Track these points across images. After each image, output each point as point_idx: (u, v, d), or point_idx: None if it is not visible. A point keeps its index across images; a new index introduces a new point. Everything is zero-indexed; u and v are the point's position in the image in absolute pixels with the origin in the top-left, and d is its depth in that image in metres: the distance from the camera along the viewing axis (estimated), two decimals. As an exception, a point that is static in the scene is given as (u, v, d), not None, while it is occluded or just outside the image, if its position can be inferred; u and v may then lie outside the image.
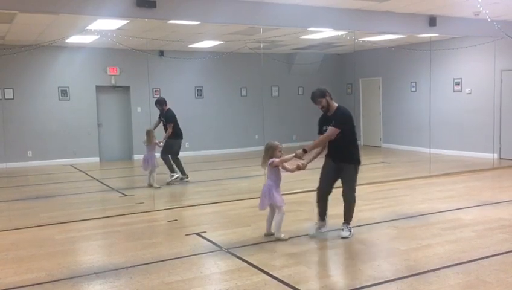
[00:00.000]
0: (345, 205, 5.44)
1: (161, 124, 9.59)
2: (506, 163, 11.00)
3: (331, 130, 5.25)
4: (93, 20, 8.29)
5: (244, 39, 11.24)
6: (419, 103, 12.97)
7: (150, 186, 8.88)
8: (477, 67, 12.06)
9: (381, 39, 11.90)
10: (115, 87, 13.19)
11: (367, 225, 5.91)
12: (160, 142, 9.12)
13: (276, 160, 5.27)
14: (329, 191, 5.50)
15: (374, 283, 4.07)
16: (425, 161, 10.41)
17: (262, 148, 5.66)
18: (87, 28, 9.17)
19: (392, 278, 4.17)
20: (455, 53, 12.24)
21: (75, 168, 11.69)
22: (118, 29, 9.40)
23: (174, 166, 9.37)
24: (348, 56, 15.54)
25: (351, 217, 5.47)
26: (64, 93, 12.66)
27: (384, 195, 7.79)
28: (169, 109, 9.51)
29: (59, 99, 12.61)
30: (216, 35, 11.07)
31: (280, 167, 5.34)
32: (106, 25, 9.10)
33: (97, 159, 12.79)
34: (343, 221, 5.48)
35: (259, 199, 5.45)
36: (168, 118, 9.35)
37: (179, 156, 9.62)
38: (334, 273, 4.35)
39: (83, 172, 11.04)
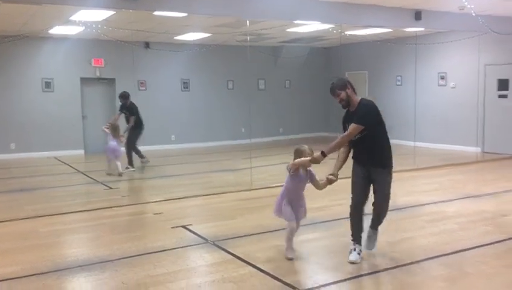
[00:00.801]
0: (376, 219, 4.53)
1: (122, 116, 10.22)
2: (489, 156, 11.16)
3: (351, 128, 4.29)
4: (77, 10, 8.18)
5: (231, 32, 11.21)
6: (405, 96, 13.06)
7: (118, 173, 9.32)
8: (461, 61, 12.18)
9: (368, 33, 11.96)
10: (99, 79, 13.06)
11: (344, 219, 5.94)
12: (122, 136, 9.75)
13: (291, 163, 4.47)
14: (365, 202, 4.53)
15: (358, 274, 4.11)
16: (410, 154, 10.52)
17: (248, 141, 5.59)
18: (71, 18, 9.05)
19: (377, 269, 4.22)
20: (440, 47, 12.35)
21: (59, 160, 11.58)
22: (103, 20, 9.29)
23: (133, 161, 10.07)
24: (334, 50, 15.58)
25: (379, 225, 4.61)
26: (48, 84, 12.50)
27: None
28: (131, 102, 10.16)
29: (43, 91, 12.46)
30: (202, 28, 11.01)
31: (299, 177, 4.51)
32: (91, 16, 8.99)
33: (82, 151, 12.68)
34: (373, 228, 4.59)
35: (243, 192, 5.45)
36: (131, 110, 10.01)
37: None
38: (319, 265, 4.38)
39: (68, 165, 10.94)
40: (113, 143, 9.46)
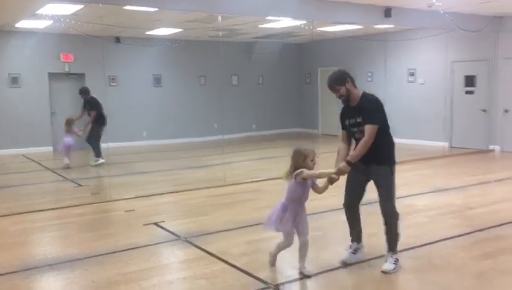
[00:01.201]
0: (384, 224, 4.16)
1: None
2: (456, 151, 11.43)
3: (370, 131, 3.93)
4: (44, 4, 7.97)
5: (203, 27, 11.13)
6: (375, 92, 12.81)
7: (67, 167, 9.67)
8: (430, 58, 12.43)
9: (339, 29, 12.07)
10: (68, 74, 12.78)
11: (325, 211, 5.99)
12: (80, 130, 10.00)
13: (306, 171, 3.88)
14: (359, 199, 4.29)
15: (330, 268, 4.15)
16: (380, 149, 10.66)
17: (221, 137, 5.54)
18: (38, 12, 8.82)
19: (348, 264, 4.26)
20: (409, 44, 12.57)
21: (27, 158, 11.30)
22: (72, 14, 9.09)
23: (101, 151, 10.15)
24: (306, 46, 15.68)
25: (396, 241, 4.15)
26: (14, 80, 12.17)
27: (341, 183, 7.92)
28: (92, 96, 10.29)
29: (9, 87, 12.12)
30: (174, 23, 10.91)
31: (306, 184, 3.99)
32: (59, 10, 8.78)
33: (50, 148, 12.40)
34: (386, 249, 4.18)
35: (215, 188, 5.42)
36: (92, 105, 10.12)
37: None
38: (292, 260, 4.40)
39: (36, 162, 10.69)
40: (66, 139, 9.79)
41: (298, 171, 3.89)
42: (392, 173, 4.11)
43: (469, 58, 11.64)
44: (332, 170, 3.97)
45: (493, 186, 7.54)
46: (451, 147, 11.94)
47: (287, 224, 3.95)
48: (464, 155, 10.93)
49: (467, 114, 11.80)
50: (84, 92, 10.30)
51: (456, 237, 5.01)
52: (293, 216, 3.96)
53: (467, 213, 5.94)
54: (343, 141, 4.24)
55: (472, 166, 9.51)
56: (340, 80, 4.08)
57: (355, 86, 4.13)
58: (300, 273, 4.00)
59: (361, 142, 3.96)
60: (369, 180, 4.19)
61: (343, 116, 4.23)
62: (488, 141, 11.45)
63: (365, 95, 4.14)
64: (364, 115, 4.01)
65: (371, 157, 4.01)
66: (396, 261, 4.10)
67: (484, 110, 11.46)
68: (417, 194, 6.99)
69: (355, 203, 4.29)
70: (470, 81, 11.69)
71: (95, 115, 10.03)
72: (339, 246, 4.69)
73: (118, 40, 12.93)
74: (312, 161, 3.93)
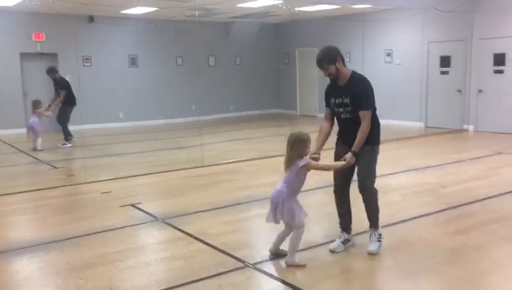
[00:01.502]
0: (363, 201, 4.10)
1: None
2: (431, 131, 11.62)
3: (366, 116, 3.86)
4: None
5: (179, 6, 10.94)
6: None
7: (35, 149, 9.51)
8: (406, 39, 12.50)
9: (317, 9, 12.01)
10: (41, 54, 12.46)
11: (302, 191, 6.03)
12: (47, 111, 9.88)
13: (313, 163, 3.76)
14: (348, 183, 4.16)
15: (307, 247, 4.19)
16: (357, 129, 10.75)
17: (199, 118, 5.47)
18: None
19: (324, 241, 4.31)
20: (386, 25, 12.61)
21: (0, 140, 11.05)
22: (43, -8, 8.83)
23: (69, 134, 10.10)
24: (284, 26, 15.59)
25: (377, 217, 4.11)
26: (-16, 60, 11.82)
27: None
28: (61, 76, 10.17)
29: (-21, 67, 11.78)
30: (149, 2, 10.70)
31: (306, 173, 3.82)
32: (29, -13, 8.52)
33: (23, 130, 12.10)
34: (369, 226, 4.16)
35: (193, 169, 5.39)
36: (61, 85, 10.00)
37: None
38: (268, 239, 4.42)
39: (9, 144, 10.46)
40: (32, 119, 9.67)
41: (304, 162, 3.70)
42: (373, 152, 4.01)
43: (445, 39, 11.75)
44: (339, 163, 3.87)
45: (467, 165, 7.69)
46: (426, 126, 12.11)
47: (301, 213, 3.80)
48: (439, 135, 11.11)
49: (442, 94, 11.96)
50: (51, 71, 10.12)
51: (429, 214, 5.11)
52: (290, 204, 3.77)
53: (440, 191, 6.05)
54: (326, 120, 4.15)
55: (447, 145, 9.68)
56: (330, 59, 3.90)
57: (344, 65, 3.97)
58: (288, 263, 3.81)
59: (361, 129, 3.86)
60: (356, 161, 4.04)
61: (329, 94, 4.09)
62: (462, 121, 11.65)
63: (355, 75, 4.00)
64: (356, 97, 3.89)
65: (354, 138, 3.89)
66: (379, 238, 4.10)
67: (459, 91, 11.63)
68: (392, 173, 7.09)
69: (345, 188, 4.17)
70: (445, 61, 11.82)
71: (64, 95, 9.89)
72: (314, 224, 4.74)
73: (91, 19, 12.64)
74: (309, 146, 3.78)
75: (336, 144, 4.16)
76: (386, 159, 8.29)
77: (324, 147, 4.08)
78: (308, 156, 3.79)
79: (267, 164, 7.81)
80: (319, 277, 3.64)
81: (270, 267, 3.84)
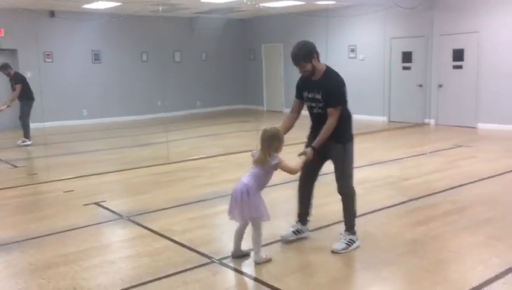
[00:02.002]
0: (342, 201, 4.10)
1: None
2: (394, 125, 11.88)
3: (334, 114, 3.82)
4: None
5: (142, 1, 10.79)
6: None
7: None
8: (369, 35, 12.73)
9: (281, 5, 12.07)
10: (0, 50, 12.07)
11: (268, 187, 6.08)
12: (3, 106, 9.57)
13: (284, 163, 3.74)
14: (314, 177, 4.18)
15: (272, 241, 4.23)
16: (323, 124, 10.89)
17: (165, 115, 5.42)
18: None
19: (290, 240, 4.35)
20: (350, 21, 12.80)
21: (-43, 139, 10.66)
22: (0, -15, 8.54)
23: (29, 131, 9.81)
24: (250, 21, 15.60)
25: (352, 221, 4.10)
26: None
27: (284, 158, 8.05)
28: (16, 72, 9.97)
29: None
30: (112, -4, 10.51)
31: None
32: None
33: (-18, 129, 11.76)
34: (344, 228, 4.13)
35: (159, 166, 5.35)
36: (16, 80, 9.76)
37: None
38: (233, 234, 4.44)
39: (-34, 143, 10.11)
40: None
41: (276, 161, 3.68)
42: (346, 151, 3.95)
43: (406, 35, 12.02)
44: (300, 163, 3.83)
45: (427, 158, 7.91)
46: (390, 121, 12.37)
47: (265, 208, 3.75)
48: (401, 129, 11.37)
49: (404, 89, 12.24)
50: (3, 67, 9.83)
51: (391, 206, 5.24)
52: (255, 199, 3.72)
53: (402, 184, 6.21)
54: (292, 112, 4.11)
55: (409, 139, 9.93)
56: (308, 56, 3.85)
57: (319, 61, 3.93)
58: (257, 261, 3.79)
59: (326, 125, 3.83)
60: (327, 159, 4.06)
61: (302, 87, 4.04)
62: (423, 115, 11.96)
63: (328, 71, 3.95)
64: (327, 94, 3.85)
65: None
66: (350, 242, 4.02)
67: (420, 85, 11.94)
68: (356, 167, 7.17)
69: (310, 181, 4.17)
70: (407, 57, 12.10)
71: (20, 89, 9.64)
72: (280, 219, 4.78)
73: (52, 14, 12.32)
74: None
75: (308, 138, 4.12)
76: (351, 153, 8.47)
77: (291, 142, 4.12)
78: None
79: (233, 160, 7.82)
80: (284, 271, 3.69)
81: (236, 262, 3.86)
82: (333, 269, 3.72)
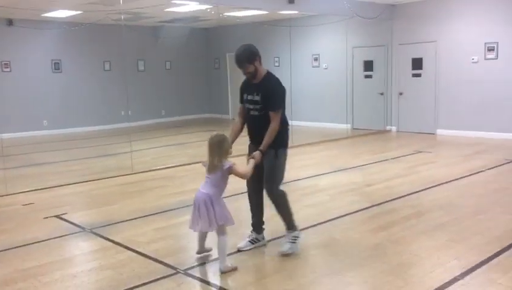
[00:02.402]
0: (273, 204, 4.12)
1: None
2: (357, 132, 12.11)
3: (276, 118, 3.93)
4: None
5: (104, 10, 10.64)
6: (282, 77, 13.27)
7: None
8: (332, 44, 12.96)
9: (245, 15, 12.16)
10: (-46, 59, 11.68)
11: (232, 195, 6.08)
12: None
13: (235, 167, 3.76)
14: (261, 185, 4.14)
15: (234, 251, 4.22)
16: (288, 132, 10.99)
17: (128, 125, 5.36)
18: None
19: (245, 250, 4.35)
20: (313, 30, 13.01)
21: None
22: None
23: None
24: (214, 31, 15.63)
25: (290, 219, 4.15)
26: None
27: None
28: None
29: None
30: (72, 5, 10.32)
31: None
32: None
33: None
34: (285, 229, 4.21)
35: (123, 176, 5.28)
36: None
37: None
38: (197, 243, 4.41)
39: None
40: None
41: (229, 165, 3.72)
42: (277, 156, 3.99)
43: (367, 44, 12.31)
44: (251, 167, 3.84)
45: (389, 164, 8.10)
46: (353, 128, 12.60)
47: (227, 215, 3.79)
48: (364, 136, 11.60)
49: (366, 97, 12.51)
50: None
51: (354, 212, 5.33)
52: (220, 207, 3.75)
53: (365, 190, 6.33)
54: (239, 116, 4.25)
55: (371, 146, 10.14)
56: (251, 58, 3.98)
57: (261, 64, 4.07)
58: (223, 269, 3.79)
59: (270, 129, 3.92)
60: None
61: (243, 90, 4.20)
62: (385, 122, 12.25)
63: (269, 76, 4.08)
64: (266, 97, 3.97)
65: (261, 140, 3.95)
66: (294, 239, 4.13)
67: (381, 93, 12.23)
68: (320, 174, 7.33)
69: (256, 190, 4.21)
70: (368, 65, 12.39)
71: None
72: (245, 228, 4.77)
73: (10, 22, 12.02)
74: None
75: (249, 146, 4.20)
76: (315, 160, 8.59)
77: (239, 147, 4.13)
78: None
79: (199, 169, 7.73)
80: (249, 279, 3.70)
81: (201, 272, 3.84)
82: (298, 275, 3.75)
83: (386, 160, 8.44)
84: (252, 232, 4.33)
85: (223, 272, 3.76)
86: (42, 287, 3.62)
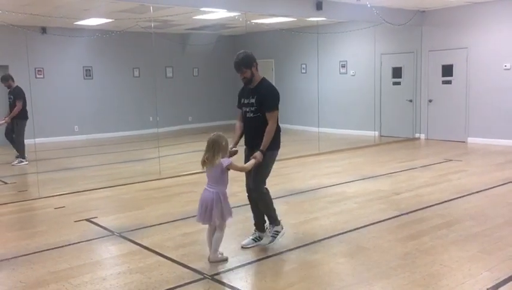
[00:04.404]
0: (257, 202, 4.44)
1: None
2: (385, 140, 11.97)
3: (272, 117, 4.21)
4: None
5: (135, 17, 10.86)
6: (309, 84, 13.55)
7: None
8: (360, 50, 12.88)
9: (273, 22, 12.20)
10: (-10, 66, 12.06)
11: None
12: (3, 119, 9.37)
13: (234, 164, 4.07)
14: None
15: (265, 256, 4.23)
16: (314, 139, 10.97)
17: (157, 130, 5.44)
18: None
19: (282, 250, 4.37)
20: (340, 37, 12.95)
21: None
22: (-8, 2, 8.57)
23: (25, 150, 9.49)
24: (241, 38, 15.71)
25: (272, 214, 4.44)
26: None
27: (276, 173, 7.97)
28: (18, 86, 9.47)
29: None
30: (104, 13, 10.55)
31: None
32: (-23, -3, 8.26)
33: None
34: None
35: (151, 181, 5.34)
36: (16, 94, 9.31)
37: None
38: (226, 250, 4.42)
39: (-44, 160, 10.03)
40: None
41: (227, 162, 4.01)
42: (265, 156, 4.21)
43: (396, 51, 12.18)
44: (252, 163, 4.15)
45: (418, 172, 7.96)
46: (380, 135, 12.46)
47: (229, 210, 4.11)
48: (392, 143, 11.45)
49: (394, 104, 12.36)
50: (5, 78, 9.43)
51: (383, 221, 5.26)
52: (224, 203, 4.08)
53: (393, 198, 6.25)
54: (239, 120, 4.52)
55: (400, 153, 10.00)
56: (248, 63, 4.28)
57: (257, 70, 4.38)
58: (212, 260, 4.12)
59: (267, 129, 4.21)
60: None
61: (240, 95, 4.51)
62: (414, 130, 12.07)
63: (264, 81, 4.40)
64: (261, 98, 4.25)
65: (254, 142, 4.28)
66: (275, 234, 4.43)
67: (410, 100, 12.06)
68: (348, 182, 7.26)
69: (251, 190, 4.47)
70: (397, 72, 12.25)
71: (20, 107, 9.23)
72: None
73: (44, 30, 12.36)
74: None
75: (245, 150, 4.48)
76: (342, 167, 8.52)
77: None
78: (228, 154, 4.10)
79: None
80: (276, 287, 3.69)
81: (228, 278, 3.85)
82: (325, 283, 3.71)
83: (415, 168, 8.30)
84: (255, 231, 4.53)
85: (212, 262, 4.07)
86: (73, 289, 3.69)
